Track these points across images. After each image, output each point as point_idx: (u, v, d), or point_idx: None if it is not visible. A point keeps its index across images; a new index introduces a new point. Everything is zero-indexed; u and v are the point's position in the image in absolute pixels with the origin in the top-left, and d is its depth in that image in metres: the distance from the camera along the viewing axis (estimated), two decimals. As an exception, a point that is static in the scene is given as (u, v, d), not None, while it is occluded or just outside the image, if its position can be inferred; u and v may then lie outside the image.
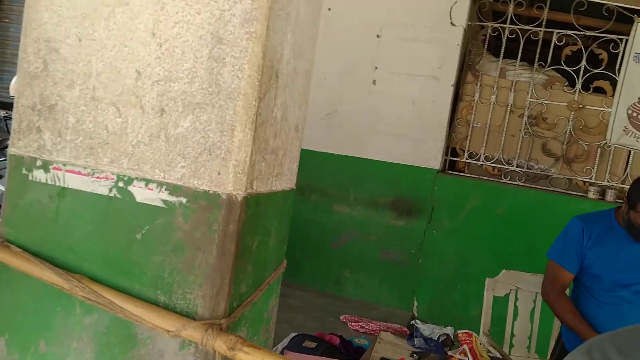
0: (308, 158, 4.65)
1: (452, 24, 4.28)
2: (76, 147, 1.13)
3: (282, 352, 2.39)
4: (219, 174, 1.04)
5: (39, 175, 1.15)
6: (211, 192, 1.05)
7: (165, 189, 1.07)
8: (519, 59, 3.92)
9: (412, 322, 3.22)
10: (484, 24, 4.13)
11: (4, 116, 4.97)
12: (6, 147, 3.92)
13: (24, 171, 1.16)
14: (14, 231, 1.18)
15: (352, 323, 3.66)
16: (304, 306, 3.92)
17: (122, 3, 1.09)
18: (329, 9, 4.70)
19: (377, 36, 4.57)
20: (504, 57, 4.00)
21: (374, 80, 4.58)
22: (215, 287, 1.06)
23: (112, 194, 1.11)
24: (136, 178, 1.09)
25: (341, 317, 3.75)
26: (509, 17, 3.94)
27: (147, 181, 1.08)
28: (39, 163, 1.15)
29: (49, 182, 1.15)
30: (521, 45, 3.88)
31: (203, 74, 1.05)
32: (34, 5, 1.14)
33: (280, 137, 1.18)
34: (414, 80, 4.44)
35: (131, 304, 1.07)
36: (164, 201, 1.07)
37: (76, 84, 1.12)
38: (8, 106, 4.70)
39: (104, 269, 1.11)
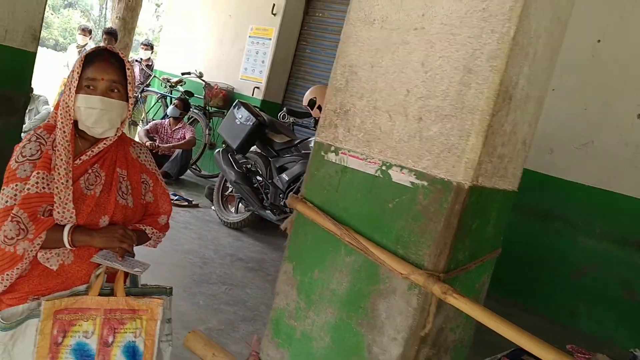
0: (557, 186, 4.71)
1: None
2: (358, 140, 1.63)
3: None
4: (453, 167, 1.43)
5: (331, 156, 1.69)
6: (446, 179, 1.44)
7: (414, 174, 1.50)
8: None
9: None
10: None
11: (292, 122, 6.03)
12: (294, 145, 4.85)
13: (322, 153, 1.71)
14: (309, 192, 1.74)
15: (579, 354, 3.63)
16: (528, 328, 4.00)
17: (404, 42, 1.55)
18: (599, 41, 4.66)
19: (648, 70, 4.39)
20: None
21: (639, 114, 4.41)
22: (439, 249, 1.45)
23: (377, 174, 1.58)
24: (395, 165, 1.54)
25: (567, 346, 3.74)
26: None
27: (402, 167, 1.53)
28: (332, 148, 1.69)
29: (337, 162, 1.68)
30: None
31: (453, 94, 1.45)
32: (346, 41, 1.68)
33: (507, 147, 1.51)
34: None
35: (379, 251, 1.53)
36: (412, 183, 1.50)
37: (364, 97, 1.63)
38: (297, 114, 5.74)
39: (364, 225, 1.59)
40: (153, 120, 7.72)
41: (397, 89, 1.55)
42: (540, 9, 1.43)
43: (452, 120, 1.44)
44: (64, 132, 1.63)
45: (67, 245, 1.57)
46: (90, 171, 1.71)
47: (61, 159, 1.60)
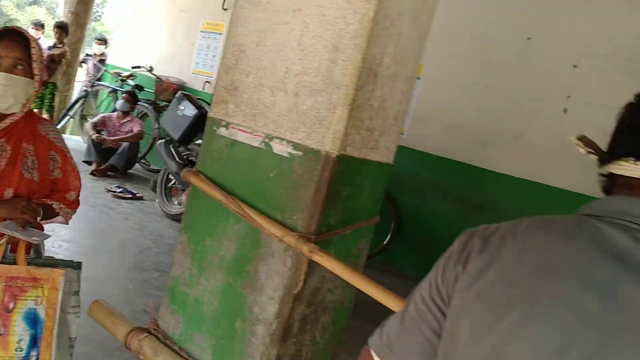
0: (488, 178, 4.91)
1: (651, 57, 4.18)
2: (245, 114, 1.74)
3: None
4: (322, 137, 1.55)
5: (222, 131, 1.80)
6: (317, 149, 1.56)
7: (291, 145, 1.62)
8: None
9: None
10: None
11: None
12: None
13: (214, 128, 1.82)
14: (203, 166, 1.84)
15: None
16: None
17: (284, 22, 1.67)
18: (529, 38, 4.89)
19: (574, 66, 4.62)
20: None
21: (565, 109, 4.64)
22: (310, 213, 1.56)
23: (260, 146, 1.69)
24: (276, 137, 1.65)
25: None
26: None
27: (281, 139, 1.64)
28: (223, 123, 1.80)
29: (227, 136, 1.78)
30: None
31: (323, 70, 1.57)
32: (235, 21, 1.79)
33: (376, 121, 1.64)
34: (607, 112, 4.37)
35: (260, 217, 1.64)
36: (289, 153, 1.62)
37: (251, 74, 1.74)
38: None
39: (249, 194, 1.70)
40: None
41: (278, 67, 1.67)
42: (402, -7, 1.56)
43: (322, 95, 1.56)
44: None
45: None
46: None
47: None
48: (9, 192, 1.79)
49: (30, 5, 36.97)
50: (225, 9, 7.16)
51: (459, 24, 5.19)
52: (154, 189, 5.65)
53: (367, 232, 1.79)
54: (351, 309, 1.86)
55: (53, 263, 1.85)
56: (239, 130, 1.75)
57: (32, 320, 1.76)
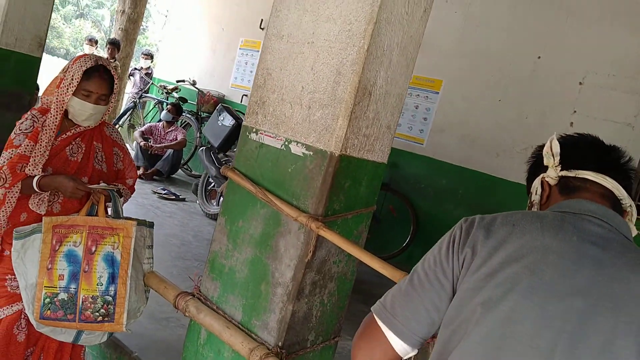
0: (501, 186, 5.28)
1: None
2: (271, 123, 2.23)
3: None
4: (328, 141, 2.02)
5: (253, 136, 2.29)
6: (324, 150, 2.03)
7: (304, 147, 2.09)
8: None
9: None
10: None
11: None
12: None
13: (247, 133, 2.31)
14: (238, 163, 2.34)
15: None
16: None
17: (301, 52, 2.15)
18: (539, 57, 5.27)
19: (580, 83, 4.98)
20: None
21: (572, 123, 4.99)
22: (318, 199, 2.03)
23: (282, 148, 2.17)
24: (293, 140, 2.14)
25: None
26: None
27: (297, 142, 2.12)
28: (254, 130, 2.29)
29: (256, 140, 2.27)
30: None
31: (329, 89, 2.04)
32: (264, 50, 2.29)
33: (371, 129, 2.11)
34: (609, 126, 4.74)
35: (281, 203, 2.11)
36: (303, 153, 2.10)
37: (276, 92, 2.23)
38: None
39: (272, 185, 2.18)
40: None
41: (296, 86, 2.15)
42: (391, 30, 2.03)
43: (328, 108, 2.04)
44: (55, 118, 2.24)
45: (35, 189, 2.17)
46: (73, 143, 2.32)
47: (45, 136, 2.21)
48: (85, 180, 2.33)
49: (77, 18, 38.75)
50: (262, 28, 7.74)
51: (475, 43, 5.61)
52: (195, 192, 6.21)
53: (366, 218, 2.25)
54: (353, 280, 2.32)
55: (128, 218, 2.37)
56: (266, 135, 2.24)
57: (110, 261, 2.28)
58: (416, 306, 1.10)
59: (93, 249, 2.24)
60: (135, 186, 2.59)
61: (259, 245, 2.21)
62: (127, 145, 8.70)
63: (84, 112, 2.26)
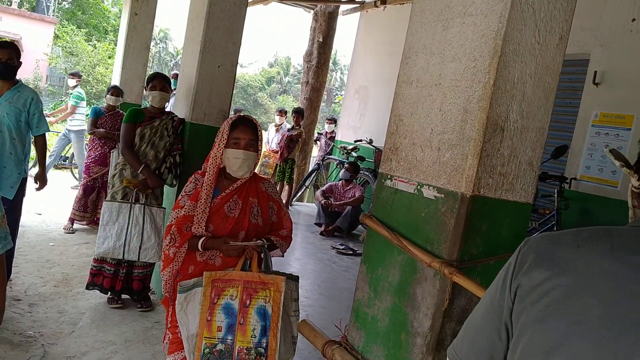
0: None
1: None
2: (403, 168, 2.21)
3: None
4: (459, 182, 1.94)
5: (387, 182, 2.29)
6: (455, 191, 1.94)
7: (436, 190, 2.03)
8: None
9: None
10: None
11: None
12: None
13: (382, 180, 2.31)
14: (375, 210, 2.34)
15: None
16: None
17: (429, 95, 2.12)
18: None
19: None
20: None
21: None
22: (451, 244, 1.93)
23: (414, 192, 2.13)
24: (425, 184, 2.08)
25: None
26: None
27: (429, 185, 2.06)
28: (388, 177, 2.29)
29: (391, 186, 2.26)
30: None
31: (457, 128, 1.97)
32: (396, 98, 2.30)
33: (508, 167, 1.96)
34: None
35: (415, 248, 2.05)
36: (434, 196, 2.03)
37: (407, 137, 2.21)
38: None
39: (407, 230, 2.14)
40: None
41: (426, 129, 2.12)
42: (521, 62, 1.91)
43: (457, 148, 1.96)
44: (210, 176, 2.50)
45: (200, 249, 2.41)
46: (231, 200, 2.55)
47: (204, 193, 2.46)
48: (242, 234, 2.53)
49: (280, 94, 43.47)
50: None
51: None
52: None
53: (510, 263, 2.06)
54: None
55: (277, 272, 2.51)
56: (399, 181, 2.22)
57: (262, 314, 2.42)
58: (475, 342, 1.02)
59: (247, 302, 2.40)
60: (291, 235, 2.73)
61: (397, 293, 2.16)
62: (314, 204, 9.26)
63: (237, 159, 2.49)
